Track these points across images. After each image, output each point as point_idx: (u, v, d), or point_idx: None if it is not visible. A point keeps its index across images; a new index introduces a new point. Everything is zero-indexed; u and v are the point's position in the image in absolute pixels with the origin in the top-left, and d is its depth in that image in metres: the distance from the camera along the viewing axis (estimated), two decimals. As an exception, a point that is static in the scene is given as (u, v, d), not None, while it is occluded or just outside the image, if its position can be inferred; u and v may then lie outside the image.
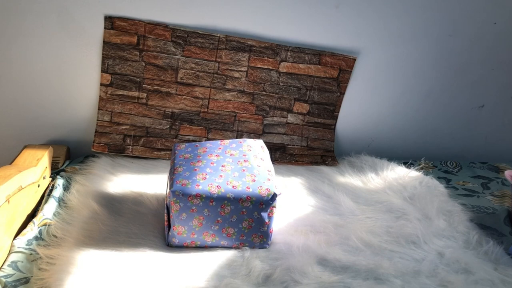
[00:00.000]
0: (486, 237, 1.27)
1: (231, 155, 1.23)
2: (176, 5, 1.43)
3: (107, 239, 1.13)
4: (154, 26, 1.44)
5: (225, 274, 1.07)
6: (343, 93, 1.63)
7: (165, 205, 1.16)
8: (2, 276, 0.99)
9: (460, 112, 1.79)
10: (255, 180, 1.14)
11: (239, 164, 1.19)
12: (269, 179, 1.16)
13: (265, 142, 1.36)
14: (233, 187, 1.11)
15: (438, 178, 1.61)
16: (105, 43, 1.44)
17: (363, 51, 1.58)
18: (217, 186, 1.10)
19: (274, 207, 1.14)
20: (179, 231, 1.12)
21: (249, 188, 1.11)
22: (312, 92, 1.61)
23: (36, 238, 1.12)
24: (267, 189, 1.12)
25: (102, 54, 1.46)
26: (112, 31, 1.43)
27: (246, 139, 1.34)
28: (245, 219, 1.13)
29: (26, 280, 1.00)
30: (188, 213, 1.10)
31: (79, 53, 1.45)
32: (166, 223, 1.15)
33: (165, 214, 1.15)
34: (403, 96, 1.71)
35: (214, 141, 1.32)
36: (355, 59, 1.58)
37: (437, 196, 1.44)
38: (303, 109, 1.63)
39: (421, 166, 1.67)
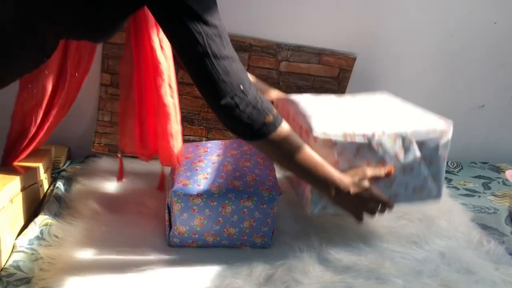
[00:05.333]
0: (487, 237, 1.27)
1: (232, 154, 1.23)
2: (176, 5, 1.42)
3: (108, 239, 1.13)
4: (154, 26, 1.44)
5: (227, 274, 1.07)
6: (344, 93, 1.63)
7: (166, 205, 1.16)
8: (4, 276, 0.99)
9: (460, 112, 1.78)
10: (256, 180, 1.14)
11: (240, 164, 1.19)
12: (270, 179, 1.16)
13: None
14: (234, 187, 1.11)
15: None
16: (105, 42, 1.44)
17: (363, 51, 1.58)
18: (218, 186, 1.10)
19: (276, 206, 1.14)
20: (180, 231, 1.12)
21: (250, 188, 1.11)
22: (312, 91, 1.61)
23: (37, 238, 1.12)
24: (268, 188, 1.12)
25: (102, 54, 1.46)
26: (113, 31, 1.43)
27: (247, 139, 1.34)
28: (246, 219, 1.13)
29: (28, 280, 0.99)
30: (189, 213, 1.10)
31: (79, 53, 1.45)
32: (167, 223, 1.15)
33: (166, 214, 1.15)
34: (403, 96, 1.71)
35: (215, 141, 1.32)
36: (355, 59, 1.58)
37: (438, 196, 1.45)
38: (303, 109, 1.63)
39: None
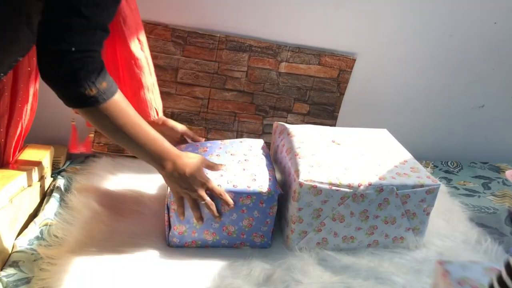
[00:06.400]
0: (486, 237, 1.27)
1: (231, 154, 1.23)
2: (176, 5, 1.43)
3: (108, 239, 1.13)
4: (154, 26, 1.44)
5: (226, 274, 1.07)
6: (343, 94, 1.63)
7: (166, 205, 1.16)
8: (4, 276, 0.99)
9: (460, 112, 1.79)
10: (255, 179, 1.14)
11: (240, 164, 1.19)
12: (270, 179, 1.16)
13: (265, 142, 1.36)
14: (233, 186, 1.11)
15: (439, 178, 1.61)
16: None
17: (363, 51, 1.58)
18: (218, 185, 1.10)
19: (275, 206, 1.14)
20: (180, 231, 1.13)
21: (249, 187, 1.11)
22: (312, 92, 1.61)
23: (37, 238, 1.12)
24: (268, 188, 1.12)
25: (103, 54, 1.46)
26: (113, 32, 1.43)
27: (246, 139, 1.34)
28: (246, 217, 1.13)
29: (28, 280, 1.00)
30: (188, 211, 1.10)
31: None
32: (166, 223, 1.15)
33: (166, 214, 1.15)
34: (403, 96, 1.72)
35: (214, 141, 1.32)
36: (355, 60, 1.58)
37: (438, 195, 1.44)
38: (303, 109, 1.64)
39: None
